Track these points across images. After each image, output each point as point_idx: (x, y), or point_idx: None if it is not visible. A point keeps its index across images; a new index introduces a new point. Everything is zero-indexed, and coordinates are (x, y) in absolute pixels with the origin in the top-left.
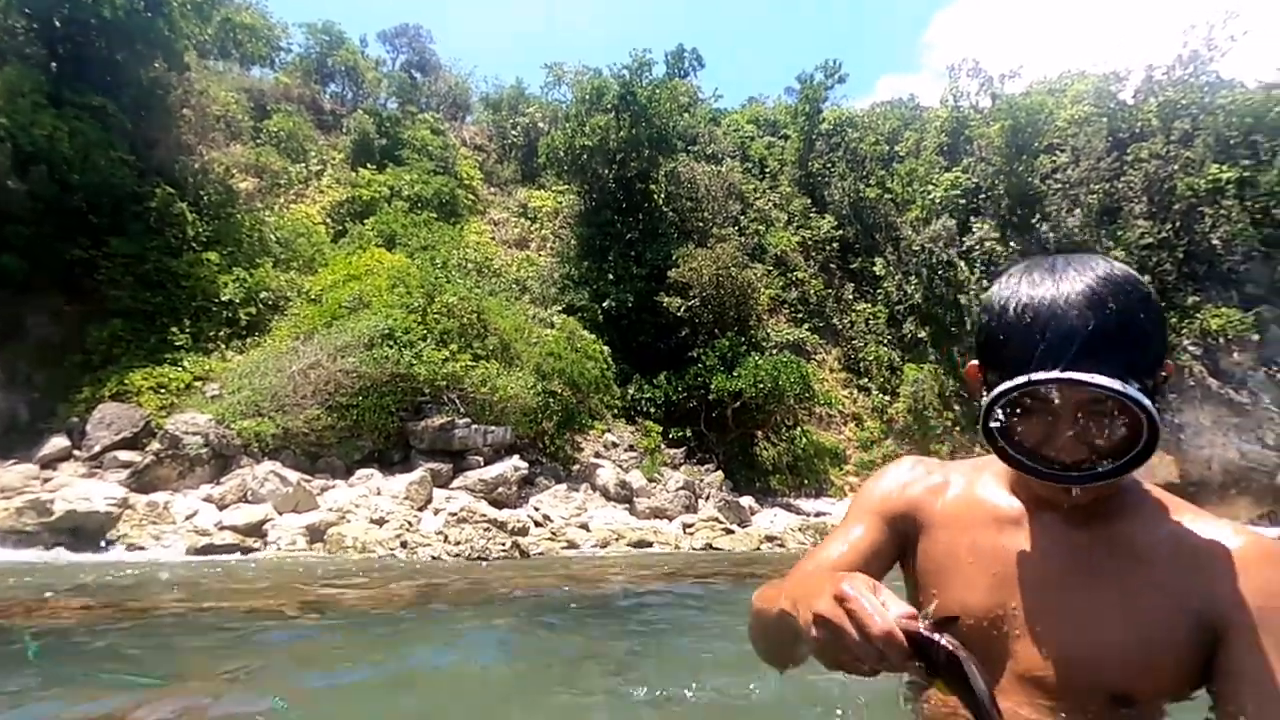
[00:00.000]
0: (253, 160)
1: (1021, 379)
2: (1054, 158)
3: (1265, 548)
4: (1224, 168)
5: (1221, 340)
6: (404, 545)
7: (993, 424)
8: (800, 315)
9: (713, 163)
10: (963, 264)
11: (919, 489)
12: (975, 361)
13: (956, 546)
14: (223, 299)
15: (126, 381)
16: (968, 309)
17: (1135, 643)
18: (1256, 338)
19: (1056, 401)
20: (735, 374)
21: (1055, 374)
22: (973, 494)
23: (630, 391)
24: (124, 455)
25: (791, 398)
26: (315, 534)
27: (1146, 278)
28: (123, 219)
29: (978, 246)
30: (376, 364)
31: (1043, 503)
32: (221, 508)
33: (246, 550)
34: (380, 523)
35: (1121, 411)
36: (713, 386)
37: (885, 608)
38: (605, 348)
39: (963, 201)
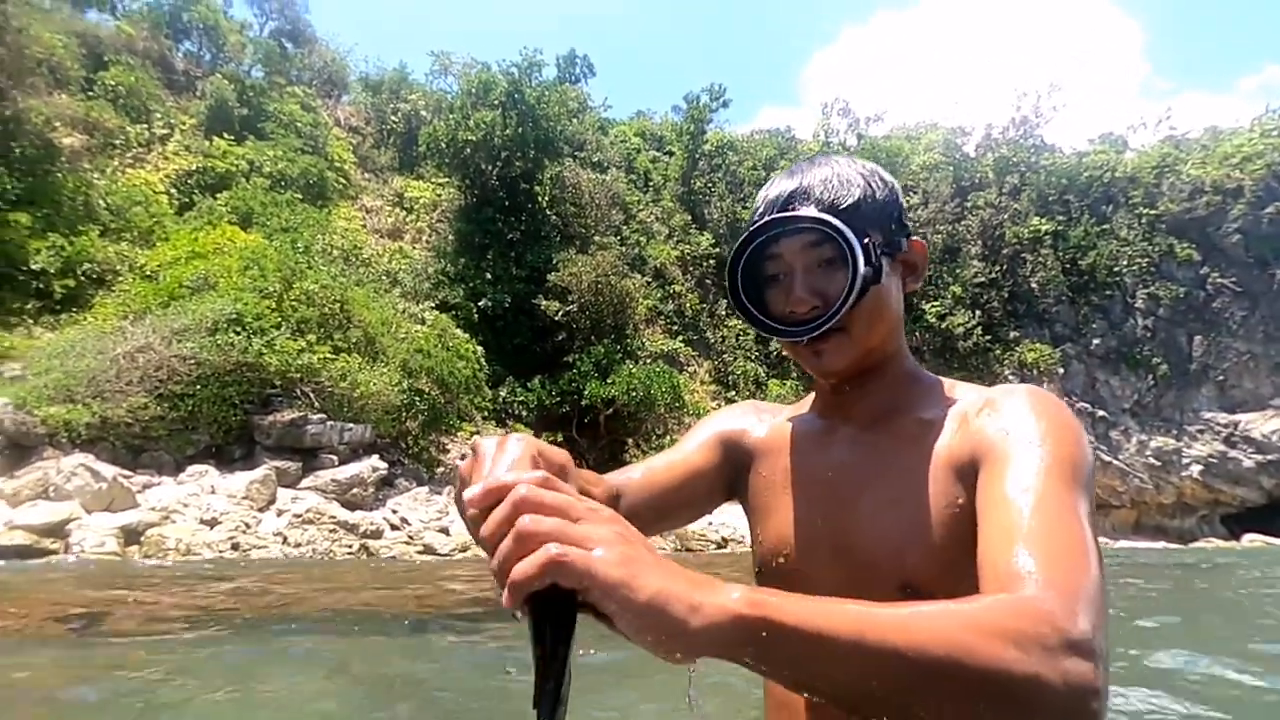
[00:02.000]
0: (82, 114)
1: (743, 237)
2: (908, 198)
3: (1013, 387)
4: (1043, 220)
5: (1035, 372)
6: (235, 548)
7: (742, 295)
8: (675, 327)
9: (599, 170)
10: None
11: (750, 421)
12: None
13: (774, 476)
14: (33, 267)
15: None
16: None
17: (912, 527)
18: (1061, 371)
19: (784, 255)
20: (609, 381)
21: (762, 217)
22: (787, 423)
23: (502, 394)
24: None
25: (663, 407)
26: (131, 535)
27: (978, 312)
28: None
29: None
30: (220, 351)
31: (836, 410)
32: (15, 504)
33: (43, 553)
34: (212, 524)
35: (839, 258)
36: (586, 392)
37: (506, 464)
38: (479, 348)
39: None
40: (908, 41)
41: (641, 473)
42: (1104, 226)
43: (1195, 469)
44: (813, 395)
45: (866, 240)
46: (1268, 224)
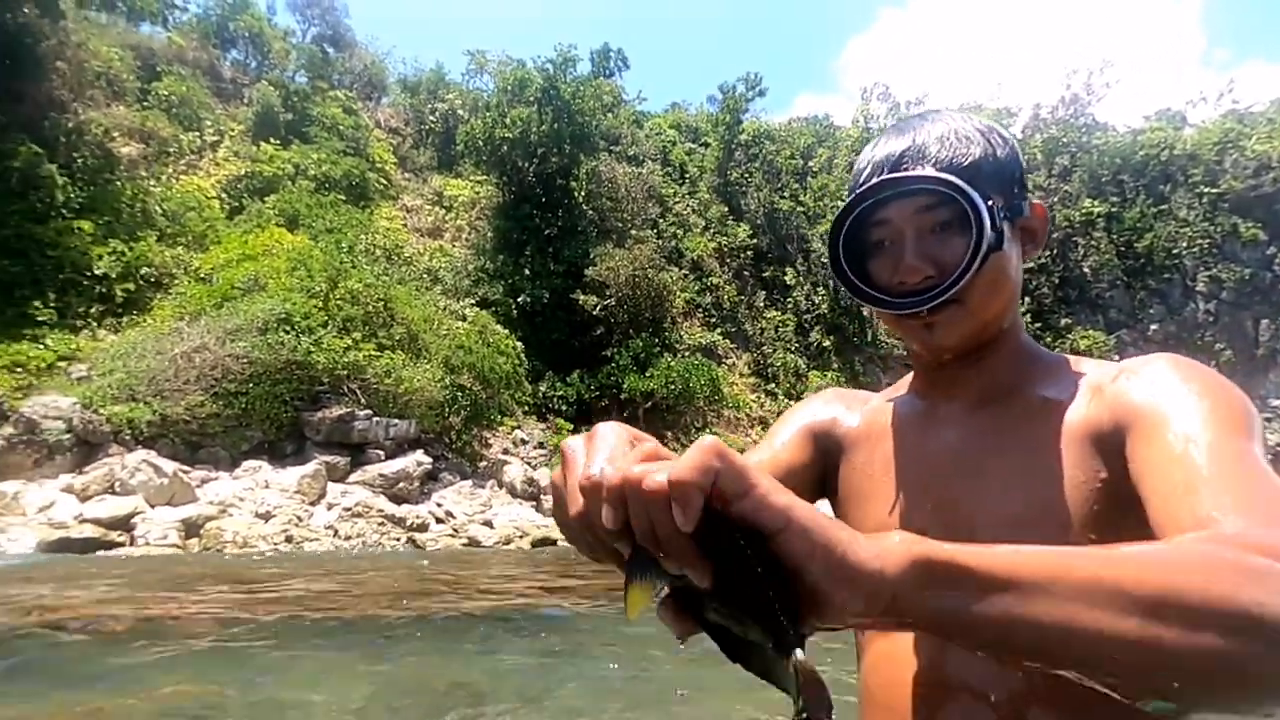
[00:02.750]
0: (138, 124)
1: (848, 200)
2: None
3: (1150, 356)
4: (1095, 202)
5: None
6: (289, 540)
7: (844, 264)
8: (713, 320)
9: (634, 164)
10: None
11: (839, 409)
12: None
13: (871, 464)
14: (96, 272)
15: None
16: (869, 320)
17: (1045, 504)
18: (1117, 358)
19: (893, 220)
20: (648, 374)
21: (870, 178)
22: (884, 406)
23: (542, 388)
24: None
25: (702, 400)
26: (191, 528)
27: (1026, 299)
28: None
29: None
30: (271, 350)
31: (942, 389)
32: (84, 499)
33: (110, 545)
34: (266, 517)
35: (958, 219)
36: (625, 386)
37: (604, 453)
38: (518, 343)
39: None
40: (948, 22)
41: None
42: (1161, 207)
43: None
44: (909, 376)
45: (990, 202)
46: None
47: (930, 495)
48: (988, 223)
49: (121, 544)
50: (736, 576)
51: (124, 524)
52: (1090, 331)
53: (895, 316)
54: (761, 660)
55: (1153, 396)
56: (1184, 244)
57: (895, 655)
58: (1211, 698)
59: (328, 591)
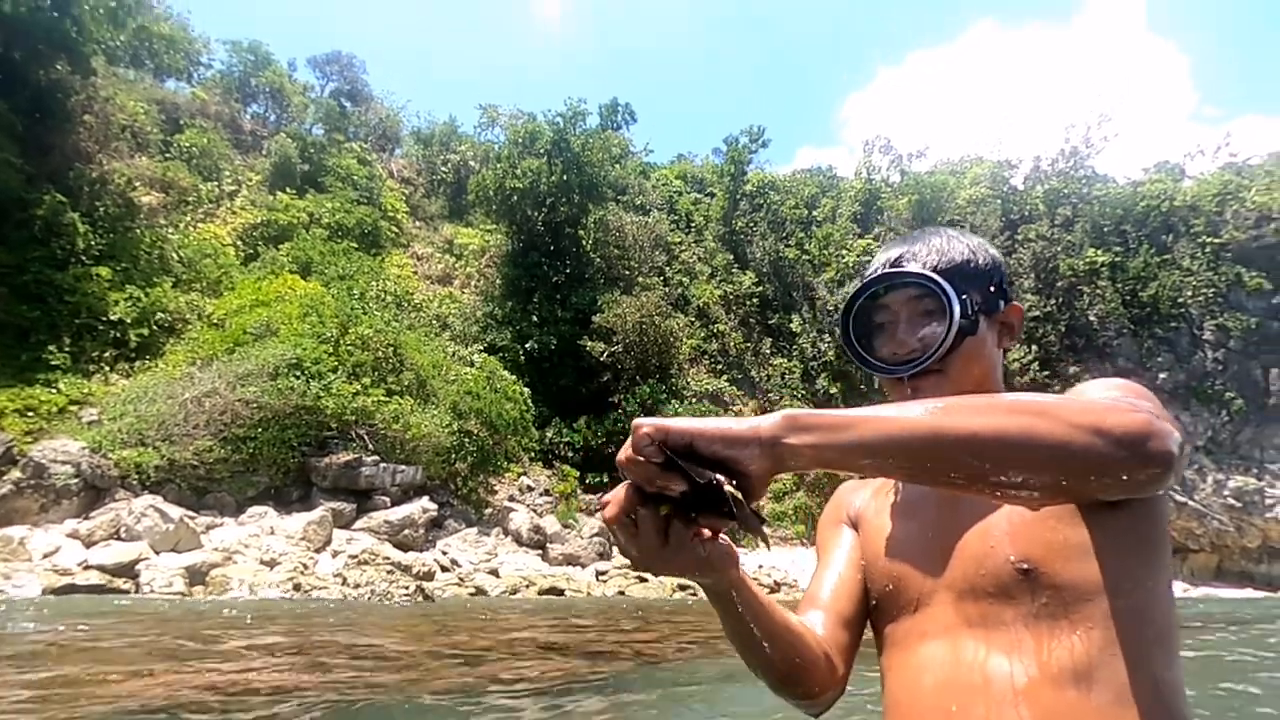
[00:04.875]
0: (160, 174)
1: (855, 287)
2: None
3: (1105, 377)
4: (1099, 252)
5: None
6: (297, 588)
7: (853, 337)
8: (720, 366)
9: (641, 213)
10: None
11: (853, 488)
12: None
13: (880, 517)
14: (111, 318)
15: None
16: None
17: (1019, 510)
18: None
19: (891, 306)
20: None
21: (875, 272)
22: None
23: (549, 435)
24: None
25: None
26: (196, 575)
27: (1034, 347)
28: (4, 226)
29: None
30: (280, 395)
31: None
32: (89, 544)
33: (115, 591)
34: (271, 564)
35: (939, 310)
36: None
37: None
38: (525, 389)
39: None
40: (945, 78)
41: (815, 607)
42: (1165, 256)
43: None
44: None
45: (965, 296)
46: None
47: (928, 527)
48: (957, 310)
49: (126, 590)
50: (693, 474)
51: (129, 570)
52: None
53: (888, 381)
54: (729, 510)
55: (1076, 391)
56: (1189, 293)
57: (913, 665)
58: (1007, 473)
59: (464, 647)
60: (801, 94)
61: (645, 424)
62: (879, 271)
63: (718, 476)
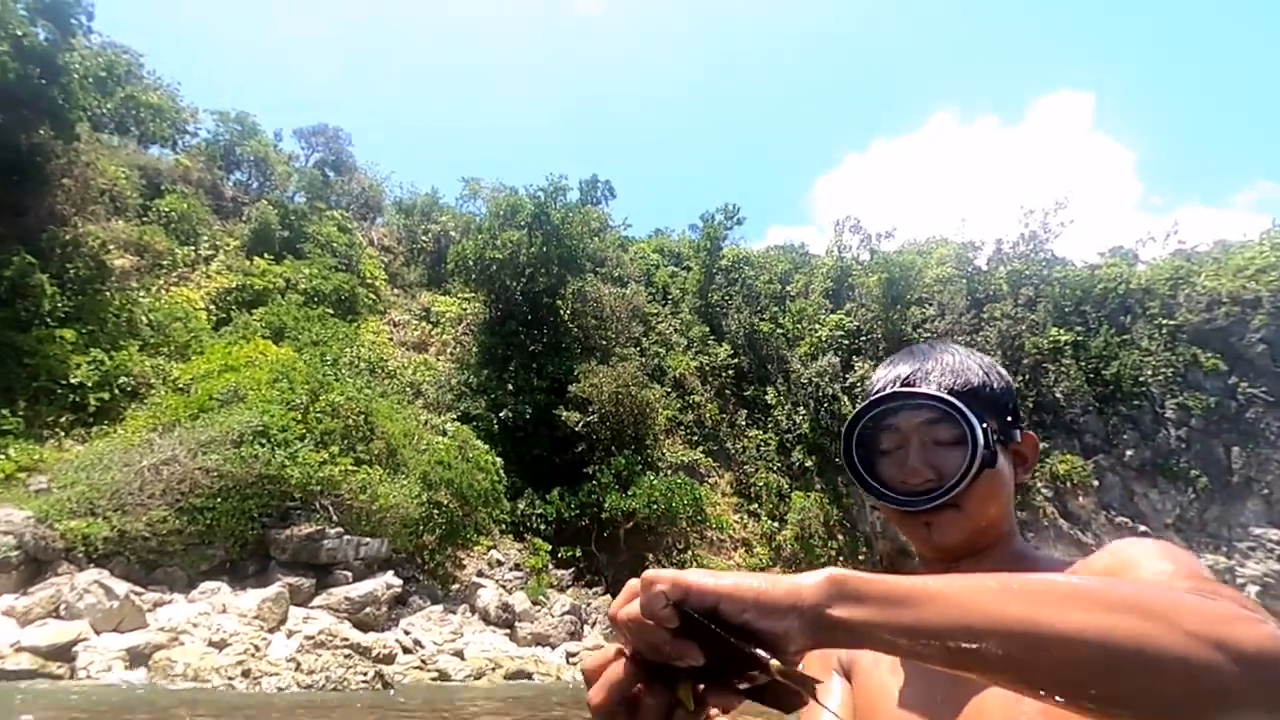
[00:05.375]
0: (135, 238)
1: (861, 406)
2: (923, 310)
3: (1127, 539)
4: (1061, 331)
5: (1068, 484)
6: (246, 675)
7: (855, 459)
8: (695, 438)
9: (619, 285)
10: (846, 399)
11: None
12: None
13: (879, 664)
14: (72, 381)
15: None
16: None
17: None
18: (1096, 483)
19: (901, 428)
20: (630, 493)
21: (883, 393)
22: None
23: (521, 506)
24: None
25: (684, 520)
26: (138, 658)
27: None
28: None
29: (859, 384)
30: (243, 463)
31: None
32: (25, 623)
33: (48, 677)
34: (221, 645)
35: (956, 436)
36: (607, 505)
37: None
38: (498, 459)
39: (846, 341)
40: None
41: None
42: (1124, 336)
43: (1253, 589)
44: None
45: (985, 424)
46: None
47: (934, 683)
48: (982, 441)
49: (60, 676)
50: (715, 648)
51: (65, 653)
52: (1068, 456)
53: (899, 513)
54: (770, 691)
55: (1115, 560)
56: (1149, 372)
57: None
58: (1107, 685)
59: None
60: (773, 174)
61: (660, 579)
62: (887, 390)
63: (758, 650)
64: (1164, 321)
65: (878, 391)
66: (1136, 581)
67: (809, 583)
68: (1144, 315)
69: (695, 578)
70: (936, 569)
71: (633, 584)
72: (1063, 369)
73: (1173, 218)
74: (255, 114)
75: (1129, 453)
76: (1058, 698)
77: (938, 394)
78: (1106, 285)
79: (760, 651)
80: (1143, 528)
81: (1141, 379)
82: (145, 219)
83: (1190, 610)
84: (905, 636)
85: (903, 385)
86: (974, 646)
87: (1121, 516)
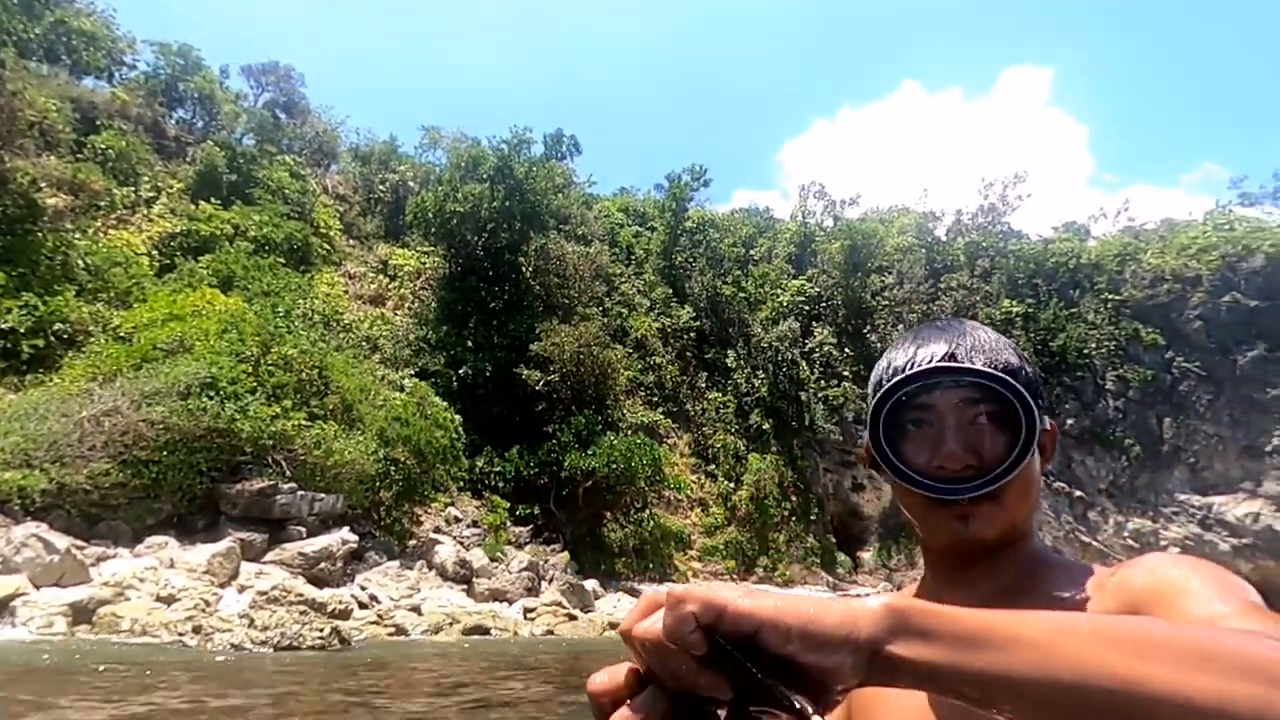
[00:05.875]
0: (70, 176)
1: (893, 380)
2: (883, 278)
3: (1141, 556)
4: (1014, 303)
5: None
6: (197, 630)
7: (883, 441)
8: (655, 399)
9: (583, 244)
10: (804, 364)
11: None
12: (868, 441)
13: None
14: (2, 326)
15: None
16: (807, 404)
17: None
18: None
19: (937, 407)
20: (590, 452)
21: (924, 366)
22: None
23: (479, 464)
24: None
25: (643, 480)
26: (81, 613)
27: None
28: None
29: (817, 349)
30: (191, 416)
31: (956, 587)
32: None
33: None
34: (169, 601)
35: (999, 417)
36: (566, 464)
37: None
38: (457, 416)
39: (806, 307)
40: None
41: None
42: (1072, 310)
43: (1174, 551)
44: (915, 584)
45: (1036, 404)
46: (1226, 312)
47: (940, 701)
48: (1036, 422)
49: None
50: (748, 677)
51: (2, 607)
52: None
53: (929, 502)
54: None
55: (1157, 581)
56: (1093, 345)
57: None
58: None
59: None
60: (741, 137)
61: (690, 598)
62: (927, 364)
63: (788, 693)
64: (1110, 296)
65: (912, 366)
66: (1241, 634)
67: (865, 612)
68: (1092, 290)
69: (732, 599)
70: (947, 566)
71: (651, 596)
72: (1013, 339)
73: (1124, 195)
74: (199, 48)
75: (1070, 421)
76: None
77: (993, 371)
78: (1058, 259)
79: (800, 700)
80: (1078, 493)
81: (1086, 351)
82: (80, 156)
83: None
84: (978, 685)
85: (947, 360)
86: (1062, 702)
87: (1059, 482)
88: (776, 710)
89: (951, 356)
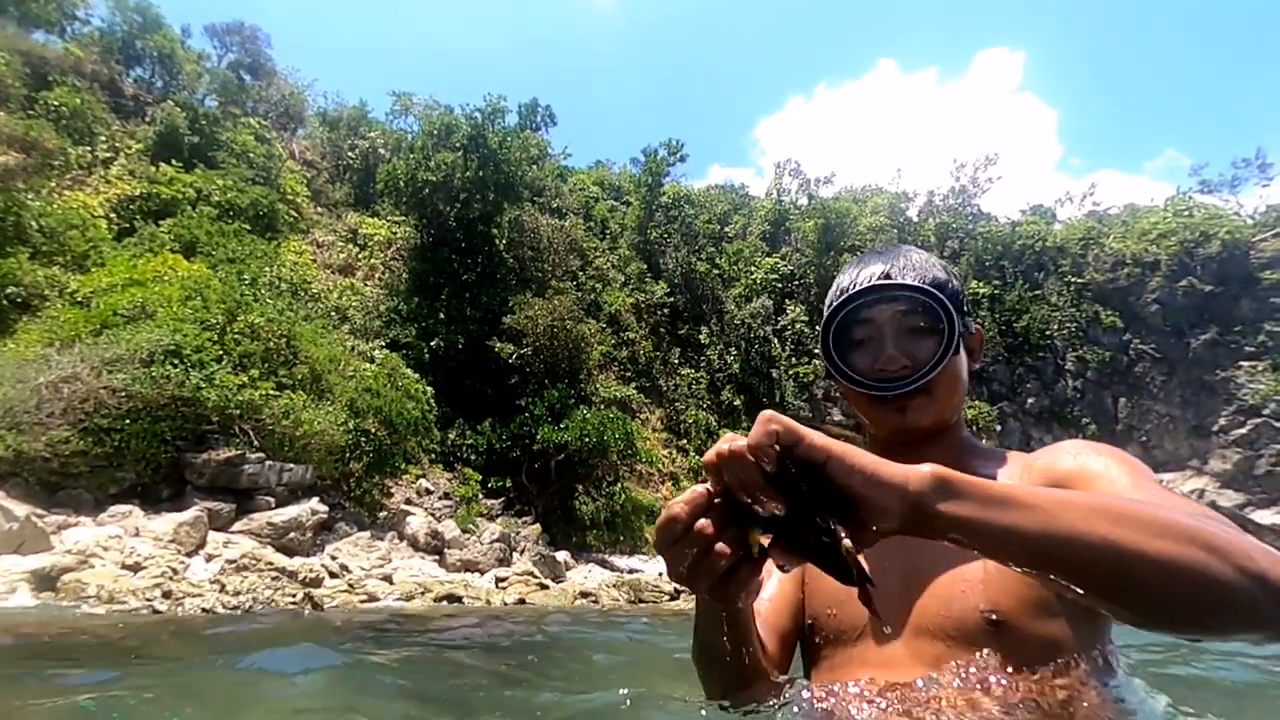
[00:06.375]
0: (20, 133)
1: (839, 300)
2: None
3: (1081, 440)
4: (981, 284)
5: (974, 428)
6: (167, 596)
7: (833, 353)
8: (629, 374)
9: (557, 216)
10: (776, 341)
11: None
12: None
13: None
14: None
15: None
16: (778, 381)
17: (984, 561)
18: (999, 428)
19: (875, 320)
20: (563, 426)
21: (863, 285)
22: None
23: (451, 436)
24: None
25: (615, 453)
26: (44, 581)
27: None
28: None
29: (790, 327)
30: (154, 384)
31: None
32: None
33: None
34: (135, 569)
35: (929, 325)
36: (538, 437)
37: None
38: (429, 388)
39: (779, 285)
40: (850, 111)
41: (755, 619)
42: (1036, 292)
43: None
44: None
45: (955, 314)
46: (1182, 296)
47: (884, 554)
48: (956, 326)
49: None
50: (803, 501)
51: None
52: (977, 403)
53: (872, 399)
54: (831, 556)
55: (1081, 466)
56: (1055, 326)
57: (849, 694)
58: (1168, 601)
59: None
60: (717, 114)
61: (778, 420)
62: (866, 284)
63: (832, 521)
64: (1073, 279)
65: (853, 287)
66: (1184, 510)
67: (916, 471)
68: (1056, 272)
69: (811, 431)
70: (895, 454)
71: (731, 439)
72: (979, 320)
73: (1089, 180)
74: (158, 4)
75: (1030, 400)
76: (1097, 595)
77: (919, 285)
78: (1025, 242)
79: (839, 528)
80: None
81: (1048, 333)
82: (31, 113)
83: (1237, 548)
84: (997, 536)
85: (882, 279)
86: (1059, 555)
87: None
88: (813, 538)
89: (886, 275)
